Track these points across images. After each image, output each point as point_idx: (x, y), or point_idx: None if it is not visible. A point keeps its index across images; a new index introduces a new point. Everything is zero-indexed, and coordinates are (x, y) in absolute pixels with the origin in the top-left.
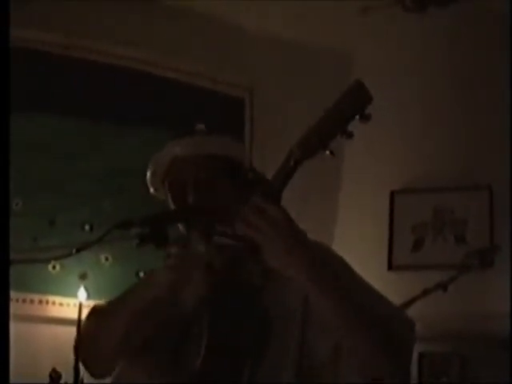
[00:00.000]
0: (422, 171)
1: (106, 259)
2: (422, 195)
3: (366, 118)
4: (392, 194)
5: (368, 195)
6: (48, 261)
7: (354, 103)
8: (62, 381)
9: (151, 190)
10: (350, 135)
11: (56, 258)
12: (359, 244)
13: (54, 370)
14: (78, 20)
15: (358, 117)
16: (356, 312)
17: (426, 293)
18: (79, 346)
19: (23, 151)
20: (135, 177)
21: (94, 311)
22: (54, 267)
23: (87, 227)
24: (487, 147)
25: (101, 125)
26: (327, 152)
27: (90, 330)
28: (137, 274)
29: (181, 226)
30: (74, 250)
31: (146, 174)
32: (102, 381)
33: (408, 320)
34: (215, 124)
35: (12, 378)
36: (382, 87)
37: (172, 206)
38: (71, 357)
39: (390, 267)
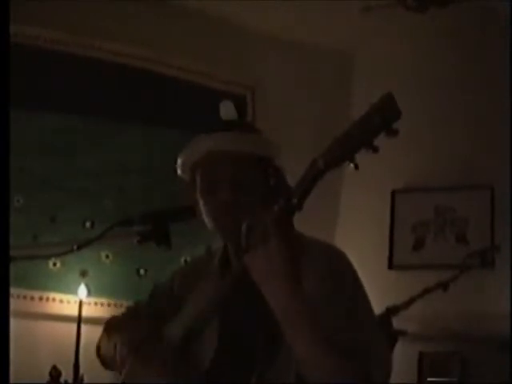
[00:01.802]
0: (423, 171)
1: (107, 256)
2: (424, 195)
3: (393, 133)
4: (393, 193)
5: (369, 194)
6: (48, 257)
7: (382, 117)
8: (62, 379)
9: (178, 171)
10: (376, 150)
11: (57, 255)
12: (360, 243)
13: (54, 368)
14: (78, 17)
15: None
16: (329, 361)
17: (426, 292)
18: (98, 348)
19: (24, 148)
20: (136, 174)
21: (110, 322)
22: (54, 264)
23: (88, 224)
24: (488, 147)
25: (102, 122)
26: (351, 165)
27: (104, 341)
28: (137, 272)
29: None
30: (74, 247)
31: (147, 172)
32: (101, 381)
33: (387, 362)
34: (217, 122)
35: (11, 375)
36: (383, 87)
37: (200, 198)
38: (71, 354)
39: (391, 266)
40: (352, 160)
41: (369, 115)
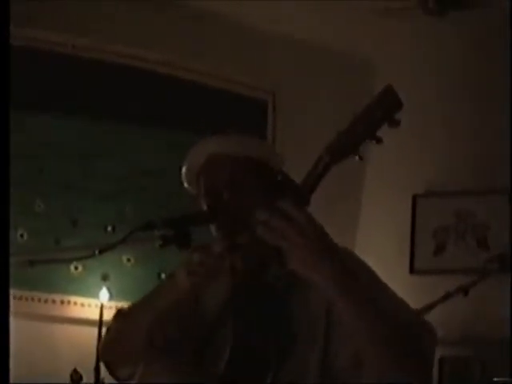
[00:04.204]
0: (444, 175)
1: (128, 260)
2: (445, 199)
3: (395, 123)
4: (414, 197)
5: (390, 199)
6: (70, 261)
7: (384, 108)
8: (83, 382)
9: (185, 184)
10: (380, 141)
11: (78, 259)
12: (381, 247)
13: (74, 371)
14: (83, 19)
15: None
16: (379, 324)
17: (447, 297)
18: (103, 347)
19: (46, 152)
20: (158, 178)
21: (119, 314)
22: (76, 268)
23: (110, 228)
24: (510, 151)
25: (125, 126)
26: (356, 157)
27: (114, 333)
28: (159, 276)
29: (212, 229)
30: (96, 251)
31: (168, 176)
32: None
33: (432, 332)
34: (238, 126)
35: (33, 378)
36: (404, 90)
37: (204, 202)
38: (92, 357)
39: (412, 271)
40: (356, 152)
41: (370, 107)
